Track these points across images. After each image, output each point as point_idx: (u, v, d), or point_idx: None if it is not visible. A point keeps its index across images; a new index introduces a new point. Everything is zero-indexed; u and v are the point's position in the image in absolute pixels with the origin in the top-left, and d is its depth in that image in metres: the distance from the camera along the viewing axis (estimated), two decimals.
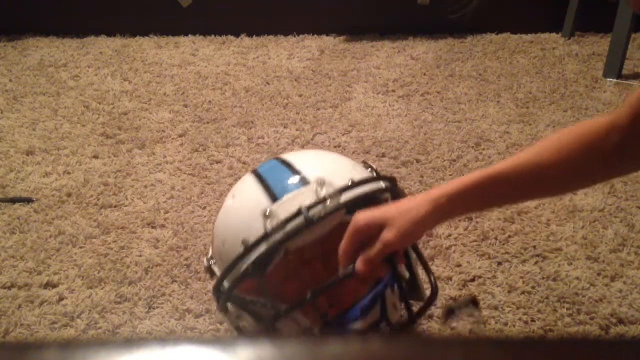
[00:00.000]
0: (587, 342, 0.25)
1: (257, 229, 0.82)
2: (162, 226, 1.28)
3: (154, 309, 1.08)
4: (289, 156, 0.92)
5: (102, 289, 1.12)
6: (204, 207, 1.34)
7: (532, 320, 1.04)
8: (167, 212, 1.32)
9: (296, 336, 0.85)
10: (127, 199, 1.37)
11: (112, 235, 1.26)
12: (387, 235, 0.75)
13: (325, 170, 0.86)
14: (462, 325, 0.83)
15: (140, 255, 1.20)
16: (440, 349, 0.25)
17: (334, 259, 0.85)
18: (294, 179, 0.85)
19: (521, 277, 1.12)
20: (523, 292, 1.09)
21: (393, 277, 0.88)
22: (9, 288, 1.13)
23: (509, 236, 1.22)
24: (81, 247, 1.23)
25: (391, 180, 0.90)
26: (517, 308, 1.06)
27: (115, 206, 1.35)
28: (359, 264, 0.76)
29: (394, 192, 0.89)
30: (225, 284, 0.86)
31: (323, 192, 0.83)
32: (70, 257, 1.20)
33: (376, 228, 0.76)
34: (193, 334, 1.05)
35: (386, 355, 0.24)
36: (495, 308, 1.06)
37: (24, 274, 1.16)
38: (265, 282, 0.83)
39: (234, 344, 0.24)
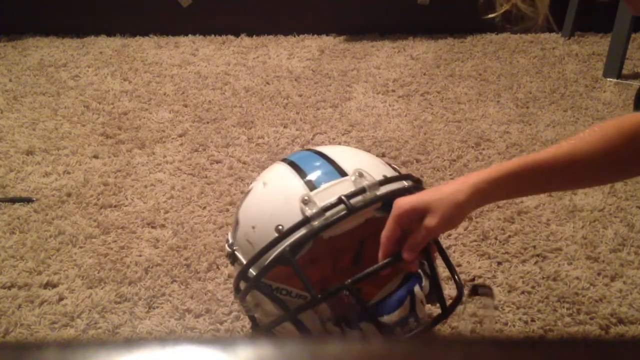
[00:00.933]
0: (587, 342, 0.25)
1: (293, 215, 0.81)
2: (162, 226, 1.28)
3: (154, 309, 1.08)
4: (321, 148, 0.92)
5: (102, 289, 1.12)
6: (204, 207, 1.34)
7: (532, 320, 1.04)
8: (167, 212, 1.32)
9: (312, 330, 0.85)
10: (127, 199, 1.37)
11: (112, 235, 1.26)
12: (431, 221, 0.75)
13: (360, 163, 0.87)
14: (481, 312, 0.85)
15: (140, 255, 1.20)
16: (440, 349, 0.25)
17: (344, 257, 0.85)
18: (330, 169, 0.86)
19: (521, 277, 1.12)
20: (523, 292, 1.09)
21: (431, 270, 0.87)
22: (9, 288, 1.13)
23: (509, 236, 1.22)
24: (81, 247, 1.23)
25: (418, 180, 0.90)
26: (517, 308, 1.06)
27: (115, 206, 1.35)
28: (406, 251, 0.77)
29: (420, 190, 0.89)
30: (253, 270, 0.85)
31: (363, 183, 0.83)
32: (70, 257, 1.20)
33: (419, 214, 0.76)
34: (193, 334, 1.05)
35: (386, 355, 0.24)
36: (495, 308, 1.06)
37: (24, 274, 1.16)
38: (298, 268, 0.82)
39: (234, 344, 0.24)
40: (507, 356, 0.24)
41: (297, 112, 1.74)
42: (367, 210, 0.83)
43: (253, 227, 0.86)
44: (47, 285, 1.14)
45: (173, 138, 1.62)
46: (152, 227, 1.28)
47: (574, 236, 1.22)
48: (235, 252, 0.89)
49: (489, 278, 1.12)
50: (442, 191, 0.77)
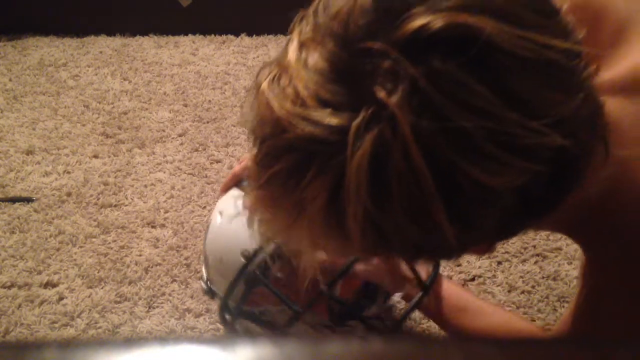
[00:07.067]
0: (586, 342, 0.25)
1: (255, 237, 0.82)
2: (162, 226, 1.28)
3: (154, 308, 1.08)
4: None
5: (102, 288, 1.12)
6: (204, 207, 1.34)
7: (532, 320, 1.04)
8: (167, 211, 1.32)
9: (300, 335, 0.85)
10: (127, 198, 1.37)
11: (112, 235, 1.26)
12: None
13: None
14: None
15: (140, 255, 1.20)
16: (440, 349, 0.25)
17: None
18: None
19: (521, 277, 1.12)
20: (523, 292, 1.09)
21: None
22: (9, 288, 1.13)
23: None
24: (81, 247, 1.23)
25: None
26: (517, 308, 1.06)
27: (115, 206, 1.35)
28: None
29: None
30: (231, 301, 0.85)
31: None
32: (70, 257, 1.20)
33: None
34: (193, 334, 1.05)
35: (386, 355, 0.24)
36: None
37: (24, 273, 1.16)
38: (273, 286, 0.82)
39: (233, 344, 0.24)
40: (507, 356, 0.24)
41: None
42: None
43: (221, 260, 0.86)
44: (47, 284, 1.14)
45: (173, 138, 1.62)
46: (152, 227, 1.28)
47: None
48: (212, 288, 0.90)
49: (489, 278, 1.12)
50: None
